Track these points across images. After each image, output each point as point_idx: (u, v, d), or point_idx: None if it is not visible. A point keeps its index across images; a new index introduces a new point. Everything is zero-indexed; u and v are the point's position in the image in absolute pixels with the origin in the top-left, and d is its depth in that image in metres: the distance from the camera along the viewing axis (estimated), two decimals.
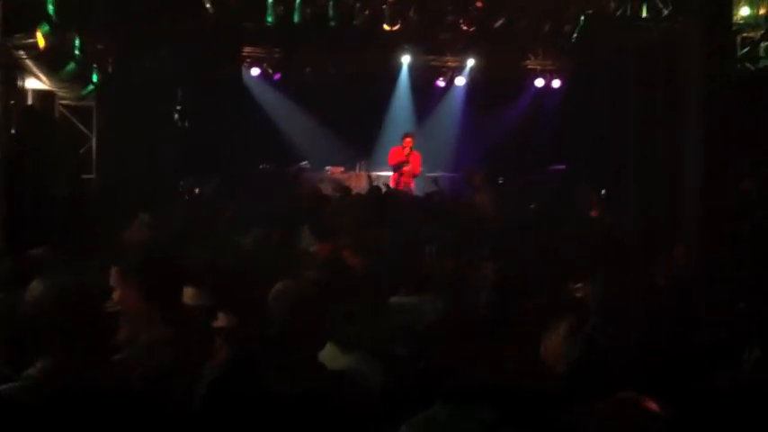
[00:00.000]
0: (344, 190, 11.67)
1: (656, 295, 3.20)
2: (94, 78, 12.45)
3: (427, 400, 2.45)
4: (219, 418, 2.32)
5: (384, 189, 12.32)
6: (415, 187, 14.34)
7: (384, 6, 14.57)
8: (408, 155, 14.19)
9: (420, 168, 14.52)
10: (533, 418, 2.42)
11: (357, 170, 15.82)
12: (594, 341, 3.18)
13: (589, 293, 3.71)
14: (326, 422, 2.69)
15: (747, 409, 2.60)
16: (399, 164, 14.20)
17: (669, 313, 3.09)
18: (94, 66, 12.36)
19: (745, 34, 14.76)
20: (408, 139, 14.27)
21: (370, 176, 14.60)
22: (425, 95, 17.12)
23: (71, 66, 10.92)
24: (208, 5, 13.22)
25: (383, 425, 2.58)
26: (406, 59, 16.49)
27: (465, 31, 15.16)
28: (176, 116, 13.11)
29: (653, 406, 2.45)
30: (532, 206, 11.75)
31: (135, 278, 3.82)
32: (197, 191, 9.65)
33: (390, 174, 14.59)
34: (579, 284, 4.21)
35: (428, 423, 2.39)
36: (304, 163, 15.62)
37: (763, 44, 14.48)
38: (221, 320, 4.14)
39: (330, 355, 3.56)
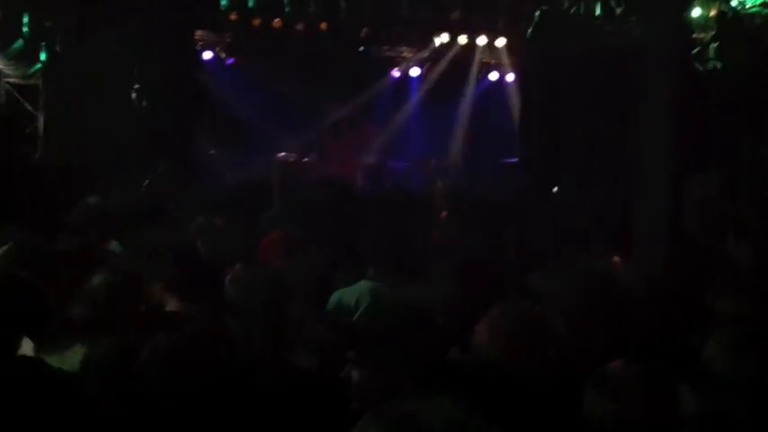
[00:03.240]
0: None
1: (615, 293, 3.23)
2: (42, 57, 12.19)
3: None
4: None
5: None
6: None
7: None
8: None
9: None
10: (505, 406, 2.43)
11: (310, 158, 15.73)
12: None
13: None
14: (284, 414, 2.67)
15: None
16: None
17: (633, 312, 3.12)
18: (42, 44, 12.10)
19: (695, 35, 15.04)
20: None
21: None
22: (380, 85, 17.06)
23: (19, 43, 10.68)
24: None
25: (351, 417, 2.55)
26: (360, 49, 16.39)
27: (421, 22, 15.21)
28: (134, 95, 12.85)
29: None
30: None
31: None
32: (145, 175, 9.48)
33: None
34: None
35: (398, 413, 2.36)
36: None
37: (712, 45, 14.76)
38: (172, 305, 4.09)
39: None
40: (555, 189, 12.68)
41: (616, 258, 4.77)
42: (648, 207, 4.66)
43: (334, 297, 4.65)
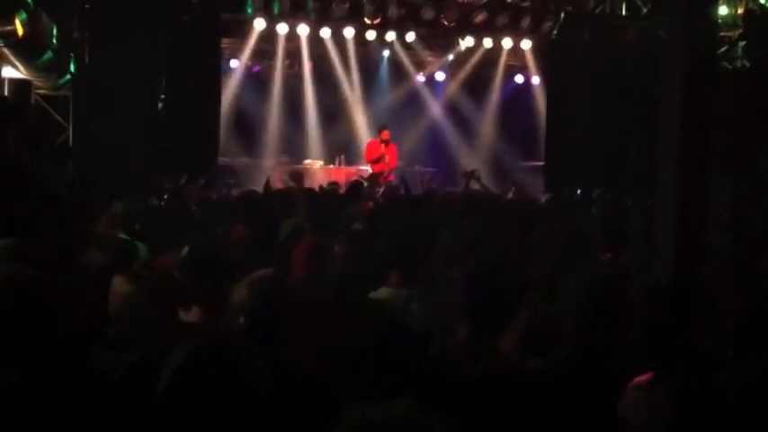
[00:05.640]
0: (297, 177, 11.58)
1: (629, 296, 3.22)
2: (71, 68, 12.36)
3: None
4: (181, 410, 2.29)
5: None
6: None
7: (364, 0, 14.60)
8: (383, 149, 14.09)
9: (397, 161, 14.45)
10: (494, 414, 2.42)
11: (336, 164, 15.80)
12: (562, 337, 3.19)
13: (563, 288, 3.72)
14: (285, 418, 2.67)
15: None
16: (377, 158, 14.11)
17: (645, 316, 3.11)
18: (71, 55, 12.27)
19: (722, 33, 14.91)
20: (386, 132, 14.19)
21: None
22: (405, 90, 17.06)
23: (48, 55, 10.81)
24: None
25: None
26: (385, 53, 16.43)
27: (445, 26, 15.22)
28: (160, 106, 12.98)
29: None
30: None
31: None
32: (168, 185, 9.56)
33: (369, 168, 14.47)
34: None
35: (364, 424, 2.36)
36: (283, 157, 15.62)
37: (740, 44, 14.62)
38: (193, 315, 4.13)
39: None
40: (579, 191, 12.60)
41: (627, 259, 4.76)
42: (660, 209, 4.62)
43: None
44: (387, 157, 14.01)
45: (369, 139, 14.94)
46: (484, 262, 3.84)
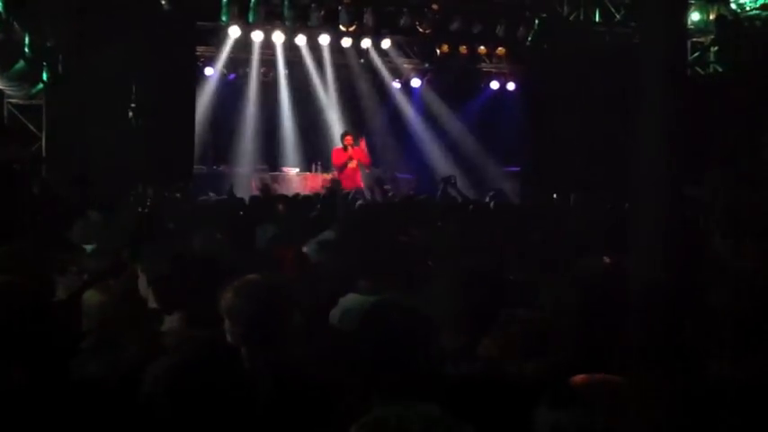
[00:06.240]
0: (265, 189, 11.61)
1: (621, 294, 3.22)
2: (44, 77, 12.25)
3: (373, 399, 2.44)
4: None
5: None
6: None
7: (340, 8, 14.61)
8: (350, 152, 14.17)
9: (368, 157, 14.59)
10: (489, 416, 2.42)
11: (313, 171, 15.78)
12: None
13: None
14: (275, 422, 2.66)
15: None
16: (344, 163, 14.22)
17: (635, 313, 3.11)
18: (44, 64, 12.16)
19: (695, 39, 15.07)
20: (348, 138, 14.34)
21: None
22: (381, 96, 17.07)
23: (20, 64, 10.71)
24: (163, 2, 13.11)
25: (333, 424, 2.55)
26: (360, 61, 16.42)
27: (421, 33, 15.26)
28: (130, 114, 12.88)
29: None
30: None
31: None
32: (147, 192, 9.50)
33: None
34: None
35: (377, 424, 2.36)
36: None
37: (712, 49, 14.79)
38: (172, 322, 4.09)
39: None
40: (555, 195, 12.67)
41: (612, 259, 4.77)
42: (646, 208, 4.64)
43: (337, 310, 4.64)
44: (354, 161, 14.08)
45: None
46: (467, 266, 3.84)
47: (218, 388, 2.30)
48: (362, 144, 14.52)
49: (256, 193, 11.97)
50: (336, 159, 14.39)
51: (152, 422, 2.28)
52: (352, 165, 14.14)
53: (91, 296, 3.90)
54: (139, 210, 8.45)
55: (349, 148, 14.18)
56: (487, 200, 11.14)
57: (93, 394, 2.63)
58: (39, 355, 2.88)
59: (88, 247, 5.43)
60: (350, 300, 4.62)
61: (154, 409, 2.26)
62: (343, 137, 14.46)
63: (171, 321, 4.04)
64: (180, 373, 2.30)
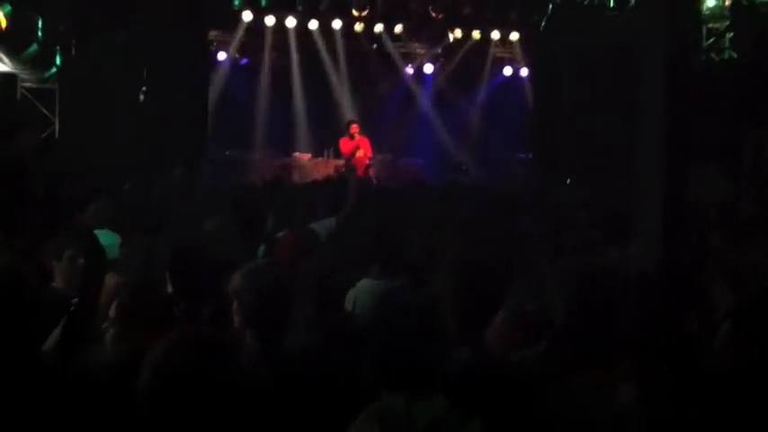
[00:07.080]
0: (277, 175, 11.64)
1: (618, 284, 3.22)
2: (57, 61, 12.28)
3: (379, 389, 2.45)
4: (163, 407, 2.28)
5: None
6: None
7: None
8: (357, 141, 14.12)
9: (371, 153, 14.48)
10: (491, 406, 2.43)
11: (325, 157, 15.78)
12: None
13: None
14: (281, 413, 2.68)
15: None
16: (352, 152, 14.15)
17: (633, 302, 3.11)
18: (57, 48, 12.19)
19: (710, 25, 14.93)
20: (354, 126, 14.27)
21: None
22: (393, 82, 17.03)
23: (33, 47, 10.75)
24: None
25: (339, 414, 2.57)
26: (374, 45, 16.38)
27: (433, 18, 15.21)
28: (142, 98, 12.89)
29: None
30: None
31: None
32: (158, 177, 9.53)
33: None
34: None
35: (385, 412, 2.38)
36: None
37: (727, 35, 14.65)
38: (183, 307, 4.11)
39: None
40: (568, 182, 12.63)
41: (615, 250, 4.77)
42: (646, 198, 4.63)
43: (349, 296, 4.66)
44: (361, 150, 14.03)
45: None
46: (472, 251, 3.84)
47: (213, 378, 2.30)
48: (366, 140, 14.45)
49: (268, 179, 11.98)
50: (344, 148, 14.33)
51: (148, 410, 2.29)
52: (360, 153, 14.11)
53: (108, 278, 3.91)
54: (147, 195, 8.47)
55: (356, 136, 14.15)
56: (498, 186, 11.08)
57: (92, 382, 2.65)
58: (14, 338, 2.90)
59: (101, 232, 5.44)
60: (364, 284, 4.64)
61: (148, 398, 2.28)
62: (348, 125, 14.42)
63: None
64: (174, 362, 2.31)
